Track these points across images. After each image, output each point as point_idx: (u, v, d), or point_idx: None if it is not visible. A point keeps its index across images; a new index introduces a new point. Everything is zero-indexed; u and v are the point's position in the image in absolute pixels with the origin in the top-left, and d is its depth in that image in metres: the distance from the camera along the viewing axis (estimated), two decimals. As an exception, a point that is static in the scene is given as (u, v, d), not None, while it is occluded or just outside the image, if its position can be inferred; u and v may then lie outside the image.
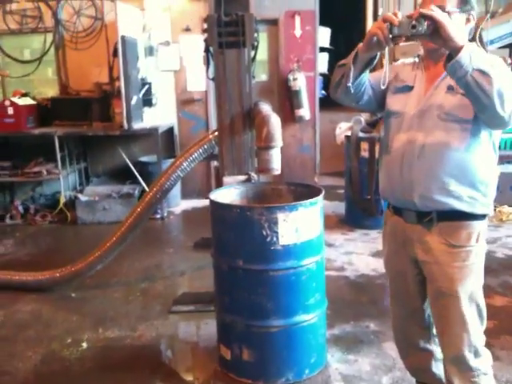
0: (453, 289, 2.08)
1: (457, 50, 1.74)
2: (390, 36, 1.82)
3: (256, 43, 3.81)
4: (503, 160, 6.54)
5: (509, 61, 8.87)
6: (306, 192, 3.04)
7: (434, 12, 1.75)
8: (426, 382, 2.43)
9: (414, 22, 1.74)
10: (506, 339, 3.24)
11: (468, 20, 2.03)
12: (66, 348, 3.32)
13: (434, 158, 2.02)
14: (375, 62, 2.07)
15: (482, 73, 1.72)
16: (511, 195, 5.84)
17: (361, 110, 2.33)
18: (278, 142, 3.03)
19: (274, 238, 2.70)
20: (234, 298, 2.88)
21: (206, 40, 3.66)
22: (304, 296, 2.83)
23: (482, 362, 2.15)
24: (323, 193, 2.91)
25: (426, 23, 1.72)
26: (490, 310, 3.54)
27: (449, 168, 2.01)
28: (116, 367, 3.10)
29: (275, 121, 3.08)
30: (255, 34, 3.73)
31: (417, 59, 2.19)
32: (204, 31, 3.67)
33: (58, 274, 4.12)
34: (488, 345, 3.00)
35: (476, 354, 2.12)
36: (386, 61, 1.99)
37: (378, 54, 2.02)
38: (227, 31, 3.52)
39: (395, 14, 1.81)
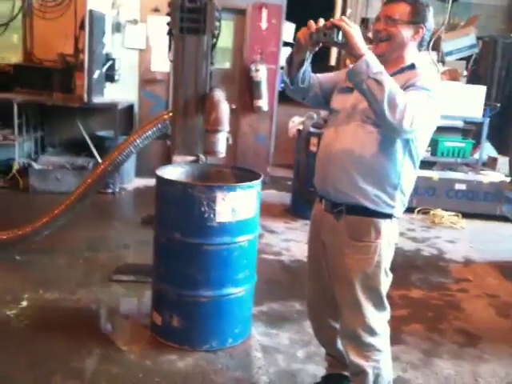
0: (349, 277, 2.30)
1: (357, 58, 1.97)
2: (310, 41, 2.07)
3: (217, 32, 4.00)
4: (443, 167, 6.96)
5: (464, 73, 9.34)
6: (247, 176, 3.26)
7: (343, 22, 1.99)
8: (333, 354, 2.70)
9: (325, 31, 1.98)
10: (414, 327, 3.57)
11: (417, 32, 2.20)
12: (5, 305, 3.46)
13: (349, 155, 2.22)
14: (305, 63, 2.28)
15: (376, 81, 1.95)
16: (446, 200, 6.23)
17: (311, 106, 2.57)
18: (225, 126, 3.24)
19: (212, 215, 2.92)
20: (169, 268, 3.10)
21: (168, 23, 3.83)
22: (234, 271, 3.07)
23: (378, 341, 2.37)
24: (261, 178, 3.14)
25: (336, 31, 1.97)
26: (405, 301, 3.93)
27: (360, 166, 2.21)
28: (52, 326, 3.26)
29: (224, 107, 3.30)
30: (216, 23, 3.92)
31: None
32: (167, 14, 3.83)
33: (4, 237, 4.22)
34: (398, 330, 3.35)
35: (371, 332, 2.34)
36: (306, 62, 2.24)
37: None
38: (189, 17, 3.69)
39: (317, 22, 2.05)
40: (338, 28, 1.97)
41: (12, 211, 5.45)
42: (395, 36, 2.18)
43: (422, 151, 2.28)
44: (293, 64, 2.28)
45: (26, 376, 2.76)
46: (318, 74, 2.45)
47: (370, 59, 1.97)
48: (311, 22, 2.07)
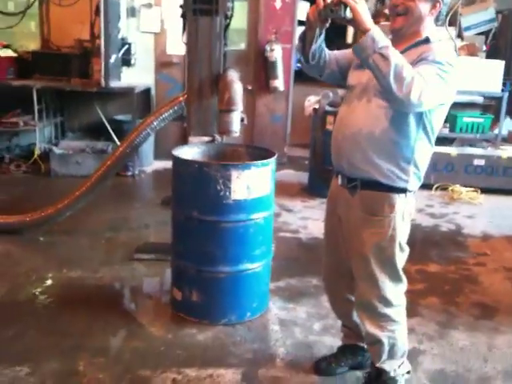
0: (364, 251, 2.35)
1: (363, 33, 1.99)
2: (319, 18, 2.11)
3: (230, 13, 4.02)
4: (462, 143, 6.92)
5: (483, 48, 9.20)
6: (262, 155, 3.31)
7: None
8: (349, 325, 2.76)
9: (332, 7, 2.01)
10: (431, 300, 3.60)
11: (434, 6, 2.20)
12: (30, 283, 3.60)
13: (362, 129, 2.25)
14: (318, 40, 2.31)
15: (382, 56, 1.97)
16: (465, 176, 6.20)
17: (329, 82, 2.61)
18: (239, 106, 3.28)
19: (227, 193, 2.98)
20: (187, 245, 3.18)
21: (181, 6, 3.87)
22: (250, 247, 3.13)
23: (393, 311, 2.42)
24: (275, 156, 3.18)
25: (343, 8, 1.99)
26: (423, 275, 3.96)
27: (372, 141, 2.24)
28: (76, 302, 3.38)
29: (237, 86, 3.34)
30: (229, 4, 3.94)
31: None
32: (181, -3, 3.87)
33: (27, 218, 4.36)
34: (415, 303, 3.40)
35: (387, 303, 2.39)
36: (319, 38, 2.26)
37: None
38: (201, -1, 3.72)
39: None
40: (345, 4, 1.99)
41: (35, 195, 5.58)
42: (413, 10, 2.18)
43: (437, 126, 2.29)
44: (306, 41, 2.31)
45: (52, 351, 2.86)
46: (335, 51, 2.47)
47: (376, 34, 1.99)
48: (320, 0, 2.10)
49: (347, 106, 2.37)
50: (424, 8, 2.18)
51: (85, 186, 4.27)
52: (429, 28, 2.24)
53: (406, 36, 2.23)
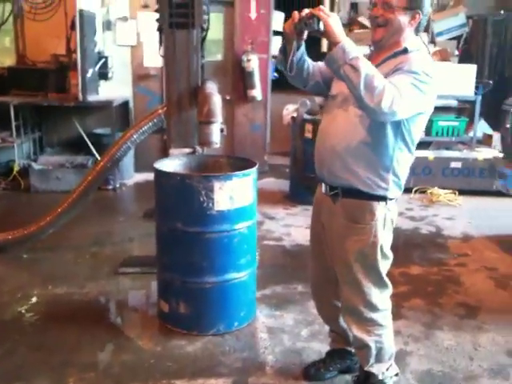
0: (347, 258, 2.39)
1: (335, 45, 2.05)
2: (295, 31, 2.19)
3: (206, 25, 4.07)
4: (438, 146, 7.05)
5: (455, 52, 9.39)
6: (243, 165, 3.33)
7: (320, 12, 2.06)
8: (336, 330, 2.79)
9: (306, 20, 2.08)
10: (415, 302, 3.66)
11: (413, 18, 2.21)
12: (16, 301, 3.56)
13: (341, 138, 2.29)
14: (297, 52, 2.36)
15: (352, 67, 2.02)
16: (443, 179, 6.32)
17: (313, 93, 2.65)
18: (218, 117, 3.32)
19: (210, 204, 3.01)
20: (172, 257, 3.19)
21: (157, 20, 3.90)
22: (236, 256, 3.16)
23: (379, 316, 2.46)
24: (256, 166, 3.22)
25: (316, 21, 2.05)
26: (405, 277, 4.03)
27: (351, 149, 2.27)
28: (63, 319, 3.36)
29: (216, 99, 3.38)
30: (205, 17, 3.99)
31: (369, 50, 2.43)
32: (156, 11, 3.90)
33: (10, 236, 4.32)
34: (399, 306, 3.45)
35: (372, 308, 2.43)
36: (298, 51, 2.32)
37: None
38: (178, 12, 3.76)
39: (300, 12, 2.13)
40: (318, 17, 2.05)
41: (15, 211, 5.54)
42: (392, 22, 2.22)
43: (416, 135, 2.31)
44: (286, 54, 2.36)
45: (42, 368, 2.85)
46: (319, 62, 2.49)
47: (347, 46, 2.03)
48: (295, 13, 2.16)
49: (329, 115, 2.42)
50: (403, 19, 2.22)
51: (67, 202, 4.26)
52: (408, 39, 2.27)
53: (387, 47, 2.28)
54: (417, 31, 2.30)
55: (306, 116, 5.81)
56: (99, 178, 4.30)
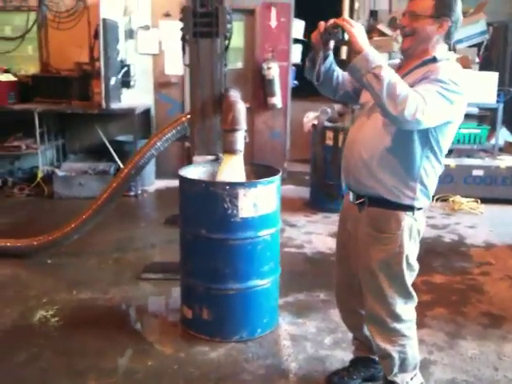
0: (371, 267, 2.38)
1: (358, 54, 2.06)
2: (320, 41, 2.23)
3: (229, 34, 4.11)
4: (460, 153, 6.99)
5: (476, 60, 9.34)
6: (267, 172, 3.36)
7: (344, 21, 2.09)
8: (360, 338, 2.79)
9: (331, 30, 2.11)
10: (438, 311, 3.64)
11: (441, 26, 2.19)
12: (41, 306, 3.62)
13: (368, 146, 2.30)
14: (325, 62, 2.39)
15: (375, 76, 2.02)
16: (465, 187, 6.27)
17: (344, 102, 2.68)
18: (242, 125, 3.34)
19: (235, 211, 3.03)
20: (196, 263, 3.22)
21: (182, 29, 3.94)
22: (259, 263, 3.17)
23: (404, 326, 2.44)
24: (280, 173, 3.25)
25: (340, 30, 2.08)
26: (428, 286, 4.00)
27: (377, 157, 2.27)
28: (87, 324, 3.41)
29: (241, 106, 3.40)
30: (228, 26, 4.03)
31: (400, 59, 2.43)
32: (180, 20, 3.95)
33: (35, 242, 4.39)
34: (422, 315, 3.43)
35: (397, 319, 2.41)
36: (326, 60, 2.35)
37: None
38: (202, 22, 3.80)
39: (326, 22, 2.16)
40: (342, 27, 2.08)
41: (39, 218, 5.62)
42: (419, 31, 2.22)
43: (445, 144, 2.29)
44: (314, 63, 2.39)
45: (67, 373, 2.89)
46: None
47: (370, 55, 2.04)
48: (321, 23, 2.18)
49: (357, 123, 2.44)
50: (430, 28, 2.21)
51: (91, 208, 4.31)
52: (438, 47, 2.26)
53: (415, 55, 2.28)
54: (447, 39, 2.27)
55: (327, 123, 5.82)
56: (124, 185, 4.35)
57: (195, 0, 3.83)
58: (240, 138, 3.35)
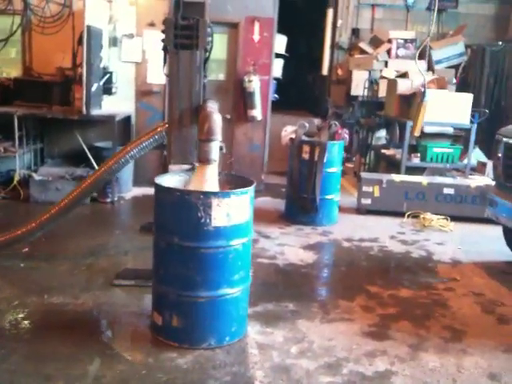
0: None
1: None
2: None
3: (209, 47, 4.20)
4: (433, 172, 7.17)
5: (453, 80, 9.59)
6: (241, 183, 3.45)
7: None
8: None
9: None
10: (403, 324, 3.74)
11: None
12: (12, 309, 3.63)
13: None
14: None
15: None
16: (436, 204, 6.43)
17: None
18: (218, 136, 3.42)
19: (208, 220, 3.11)
20: (168, 270, 3.28)
21: (163, 40, 4.03)
22: (229, 272, 3.25)
23: None
24: (254, 184, 3.33)
25: None
26: (395, 300, 4.12)
27: None
28: (57, 328, 3.43)
29: (216, 117, 3.48)
30: (208, 38, 4.12)
31: None
32: (162, 31, 4.03)
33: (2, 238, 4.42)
34: (386, 327, 3.55)
35: None
36: None
37: None
38: (183, 34, 3.89)
39: None
40: None
41: (13, 220, 5.57)
42: None
43: None
44: None
45: (32, 378, 2.91)
46: None
47: None
48: None
49: None
50: None
51: (58, 206, 4.36)
52: None
53: None
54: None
55: (304, 138, 5.94)
56: (93, 186, 4.41)
57: (177, 12, 3.92)
58: (215, 148, 3.43)
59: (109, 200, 6.40)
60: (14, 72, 7.18)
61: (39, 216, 4.36)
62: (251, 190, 3.29)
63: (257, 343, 3.37)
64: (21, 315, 3.56)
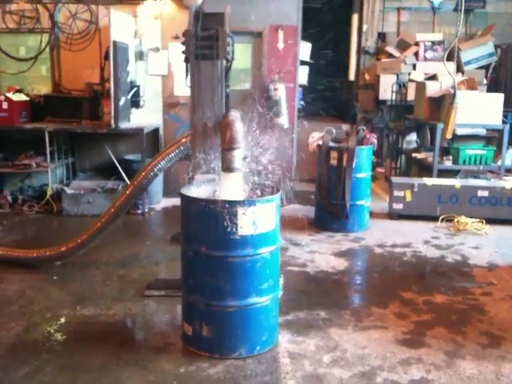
0: None
1: None
2: None
3: (230, 56, 4.21)
4: (467, 174, 7.02)
5: (484, 81, 9.39)
6: (267, 191, 3.43)
7: None
8: None
9: None
10: (438, 330, 3.64)
11: None
12: (46, 321, 3.69)
13: None
14: None
15: None
16: (470, 207, 6.27)
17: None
18: (240, 144, 3.41)
19: (234, 229, 3.09)
20: (196, 280, 3.27)
21: (183, 52, 4.05)
22: (258, 281, 3.22)
23: None
24: (280, 192, 3.30)
25: None
26: (430, 306, 4.03)
27: None
28: (90, 339, 3.46)
29: (238, 125, 3.47)
30: (229, 48, 4.13)
31: None
32: (182, 43, 4.06)
33: (35, 254, 4.54)
34: (422, 334, 3.46)
35: None
36: None
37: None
38: (203, 44, 3.91)
39: None
40: None
41: (47, 234, 5.72)
42: None
43: None
44: None
45: (67, 386, 2.94)
46: None
47: None
48: None
49: None
50: None
51: (95, 225, 4.39)
52: None
53: None
54: None
55: (332, 144, 5.88)
56: (127, 203, 4.41)
57: (196, 23, 3.94)
58: (238, 157, 3.42)
59: (140, 211, 6.47)
60: (44, 89, 7.36)
61: (78, 236, 4.43)
62: (277, 197, 3.26)
63: (288, 352, 3.32)
64: (54, 327, 3.61)
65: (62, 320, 3.71)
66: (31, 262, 4.61)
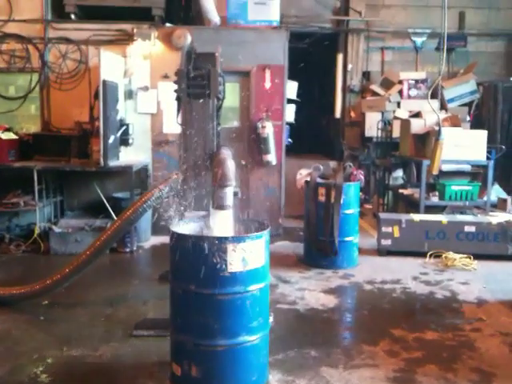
0: None
1: None
2: None
3: (221, 95, 4.29)
4: (453, 210, 7.09)
5: (467, 118, 9.59)
6: (256, 227, 3.45)
7: None
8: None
9: None
10: (429, 367, 3.62)
11: None
12: (32, 363, 3.61)
13: None
14: None
15: None
16: (457, 243, 6.30)
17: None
18: (231, 181, 3.44)
19: (223, 266, 3.08)
20: (185, 319, 3.24)
21: (175, 90, 4.12)
22: (248, 319, 3.19)
23: None
24: (269, 228, 3.31)
25: None
26: (420, 343, 3.99)
27: None
28: (76, 381, 3.41)
29: (230, 163, 3.51)
30: (220, 87, 4.21)
31: None
32: (175, 82, 4.13)
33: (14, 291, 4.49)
34: (413, 371, 3.43)
35: None
36: None
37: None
38: (195, 84, 3.99)
39: None
40: None
41: (34, 274, 5.59)
42: None
43: None
44: None
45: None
46: None
47: None
48: None
49: None
50: None
51: (78, 260, 4.37)
52: None
53: None
54: None
55: (319, 180, 5.94)
56: (113, 237, 4.40)
57: (188, 63, 4.03)
58: (229, 194, 3.44)
59: (128, 249, 6.43)
60: (34, 127, 7.41)
61: (62, 269, 4.39)
62: (266, 233, 3.27)
63: (278, 392, 3.28)
64: (40, 368, 3.53)
65: (49, 361, 3.64)
66: (17, 298, 4.53)
